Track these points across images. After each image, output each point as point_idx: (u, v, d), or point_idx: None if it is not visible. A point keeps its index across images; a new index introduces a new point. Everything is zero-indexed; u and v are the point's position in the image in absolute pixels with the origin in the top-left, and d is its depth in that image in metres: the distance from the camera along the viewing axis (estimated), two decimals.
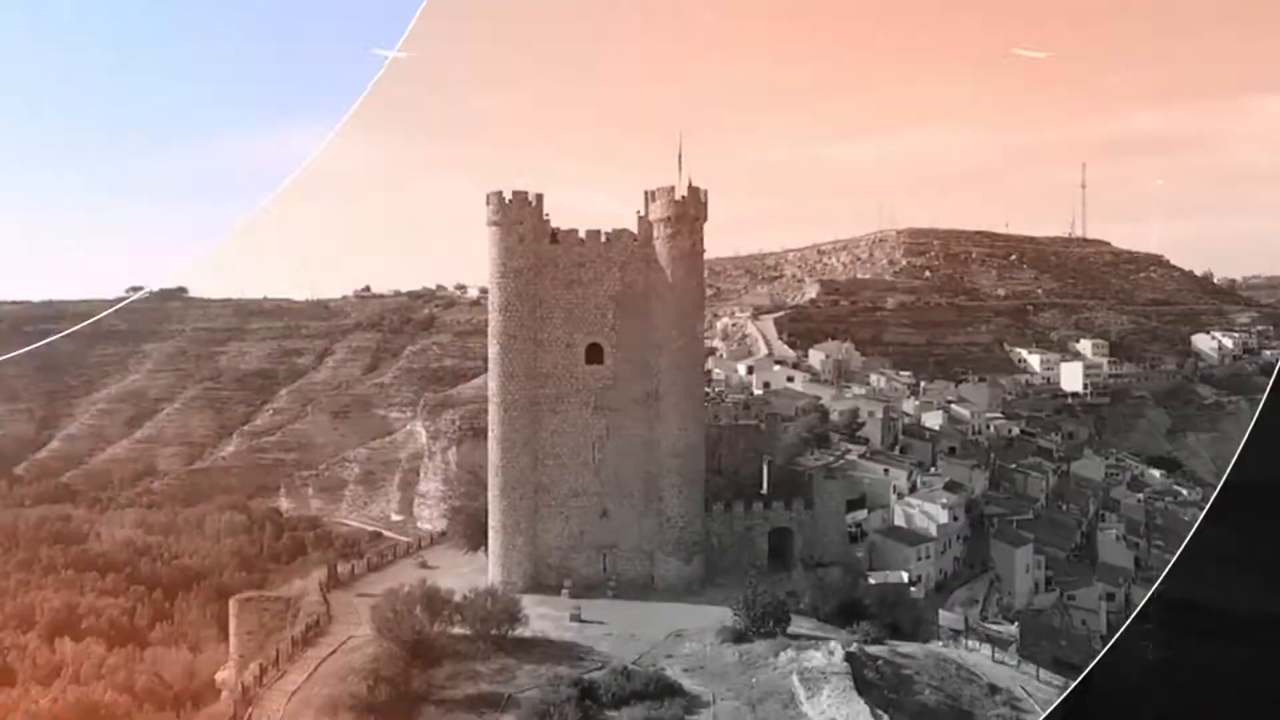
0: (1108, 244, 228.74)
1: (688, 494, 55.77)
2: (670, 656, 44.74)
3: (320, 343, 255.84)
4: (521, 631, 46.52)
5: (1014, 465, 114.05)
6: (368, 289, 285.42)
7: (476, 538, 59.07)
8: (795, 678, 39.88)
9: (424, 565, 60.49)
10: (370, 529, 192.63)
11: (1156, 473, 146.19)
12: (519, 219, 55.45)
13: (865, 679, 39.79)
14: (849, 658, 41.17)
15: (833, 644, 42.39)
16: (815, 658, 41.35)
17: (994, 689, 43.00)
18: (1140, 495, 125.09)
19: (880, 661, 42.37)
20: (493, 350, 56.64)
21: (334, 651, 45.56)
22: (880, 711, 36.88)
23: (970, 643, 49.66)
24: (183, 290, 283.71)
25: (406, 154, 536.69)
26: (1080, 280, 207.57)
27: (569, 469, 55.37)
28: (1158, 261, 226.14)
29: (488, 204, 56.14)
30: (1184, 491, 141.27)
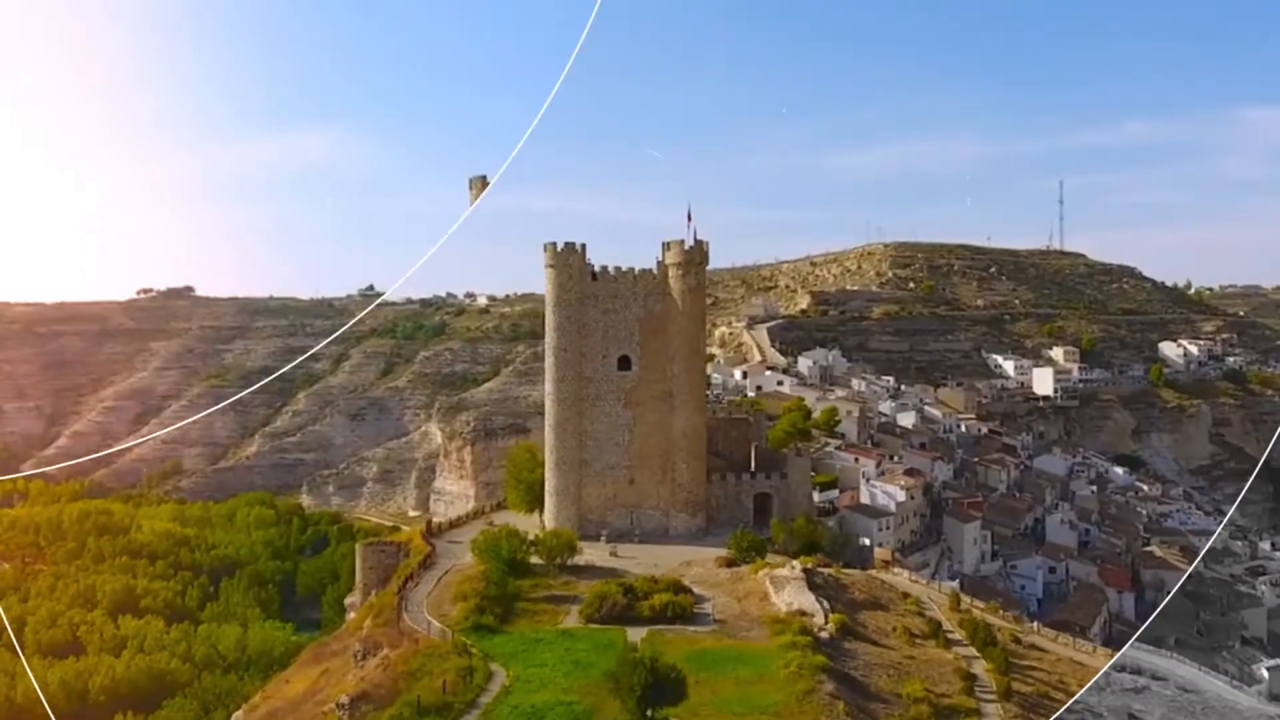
0: (1083, 256, 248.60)
1: (693, 467, 77.80)
2: (682, 576, 66.27)
3: (335, 348, 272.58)
4: (576, 560, 68.10)
5: (976, 459, 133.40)
6: (371, 288, 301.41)
7: (531, 502, 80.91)
8: (767, 581, 61.72)
9: (491, 524, 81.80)
10: (389, 524, 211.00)
11: (1120, 470, 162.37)
12: (569, 262, 77.39)
13: (815, 584, 61.49)
14: (805, 571, 62.99)
15: (794, 562, 64.33)
16: (781, 571, 63.19)
17: (905, 595, 64.89)
18: (1093, 488, 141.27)
19: (827, 575, 64.26)
20: (549, 360, 78.66)
21: (447, 573, 67.22)
22: (824, 600, 58.50)
23: (896, 570, 71.86)
24: (189, 289, 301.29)
25: (413, 157, 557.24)
26: (1055, 291, 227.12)
27: (605, 448, 77.25)
28: (1131, 273, 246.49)
29: (544, 251, 78.08)
30: (1144, 487, 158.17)
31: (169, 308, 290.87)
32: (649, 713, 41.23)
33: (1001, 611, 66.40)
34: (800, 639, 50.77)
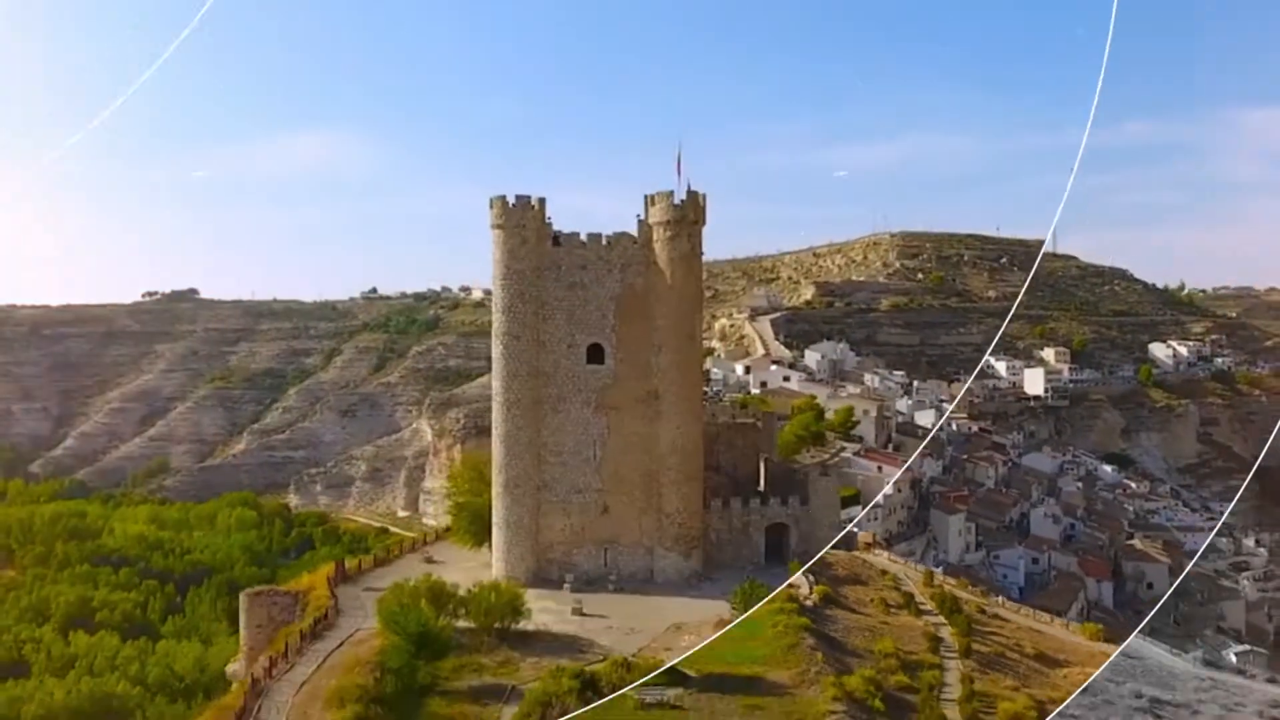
0: (1075, 258, 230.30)
1: (686, 490, 55.63)
2: (669, 650, 44.69)
3: (328, 343, 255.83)
4: (525, 625, 46.44)
5: (965, 456, 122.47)
6: (374, 290, 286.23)
7: (480, 534, 58.99)
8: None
9: (429, 560, 60.19)
10: (377, 525, 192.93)
11: (1109, 468, 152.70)
12: (522, 222, 55.35)
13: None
14: None
15: None
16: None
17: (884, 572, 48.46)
18: (1079, 484, 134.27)
19: None
20: (496, 350, 56.49)
21: (341, 645, 45.38)
22: (809, 574, 50.71)
23: (877, 551, 65.53)
24: (194, 292, 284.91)
25: (413, 158, 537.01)
26: (1048, 293, 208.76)
27: (571, 466, 55.24)
28: (1122, 275, 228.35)
29: (491, 208, 56.11)
30: (1132, 485, 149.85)
31: (173, 310, 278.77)
32: None
33: (970, 587, 65.28)
34: (787, 605, 48.35)
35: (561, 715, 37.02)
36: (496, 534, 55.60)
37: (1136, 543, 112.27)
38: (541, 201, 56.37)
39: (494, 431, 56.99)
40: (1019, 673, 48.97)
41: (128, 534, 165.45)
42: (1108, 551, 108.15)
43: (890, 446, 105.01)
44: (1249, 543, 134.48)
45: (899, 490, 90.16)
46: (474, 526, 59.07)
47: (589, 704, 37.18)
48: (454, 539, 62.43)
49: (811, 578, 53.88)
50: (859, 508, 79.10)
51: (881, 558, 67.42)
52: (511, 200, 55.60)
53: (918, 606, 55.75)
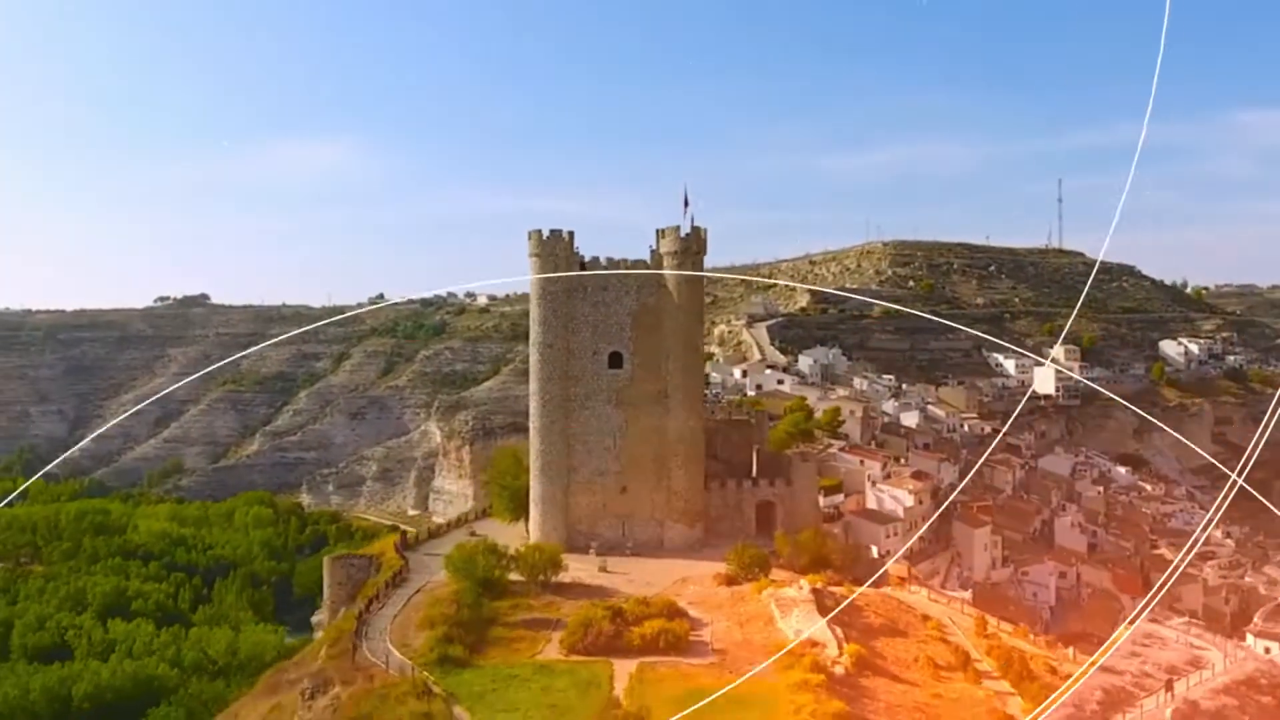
0: (1082, 255, 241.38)
1: (690, 473, 69.08)
2: (678, 597, 57.76)
3: (337, 347, 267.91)
4: (562, 577, 59.63)
5: (982, 459, 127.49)
6: (381, 296, 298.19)
7: (517, 510, 72.29)
8: (772, 603, 53.14)
9: (473, 534, 73.31)
10: (388, 523, 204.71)
11: (1123, 469, 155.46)
12: (554, 251, 68.71)
13: (826, 606, 52.94)
14: (814, 592, 54.43)
15: (801, 581, 55.72)
16: (789, 591, 54.63)
17: (925, 617, 56.28)
18: (1101, 489, 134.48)
19: (838, 594, 55.64)
20: (534, 357, 69.87)
21: (418, 591, 58.68)
22: (836, 627, 49.98)
23: (912, 587, 63.20)
24: (204, 297, 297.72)
25: (420, 165, 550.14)
26: (1055, 290, 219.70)
27: (595, 453, 68.61)
28: (1130, 271, 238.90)
29: (529, 239, 69.43)
30: (1147, 487, 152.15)
31: (185, 315, 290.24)
32: None
33: (1031, 636, 58.43)
34: (812, 677, 42.51)
35: (595, 647, 49.47)
36: (534, 508, 68.90)
37: (1164, 552, 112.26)
38: (571, 234, 69.73)
39: (531, 424, 70.21)
40: None
41: (151, 530, 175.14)
42: (1135, 561, 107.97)
43: (874, 444, 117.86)
44: (1217, 534, 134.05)
45: (920, 502, 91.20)
46: (512, 504, 72.35)
47: (618, 628, 50.00)
48: (494, 515, 75.69)
49: (839, 632, 49.26)
50: (841, 496, 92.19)
51: (920, 595, 62.92)
52: (545, 233, 68.99)
53: (974, 667, 49.05)
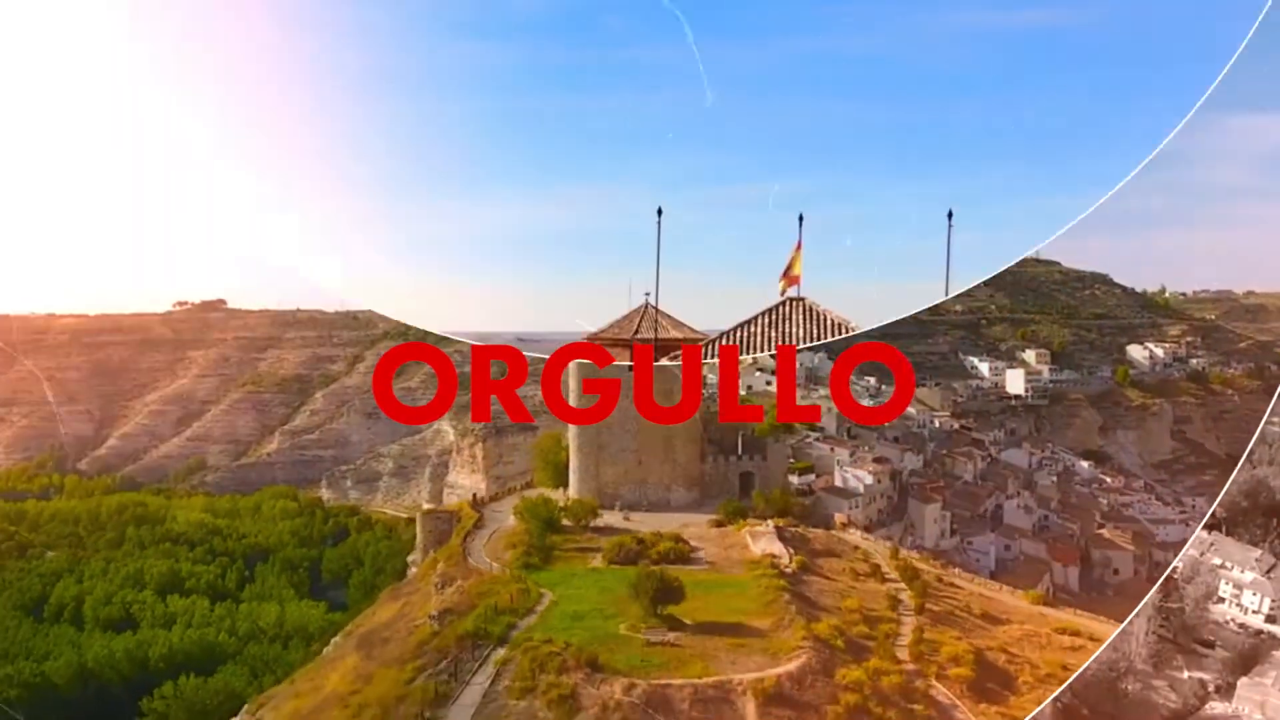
0: (1058, 264, 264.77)
1: (690, 450, 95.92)
2: (681, 533, 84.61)
3: (351, 350, 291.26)
4: (597, 523, 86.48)
5: (945, 451, 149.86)
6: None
7: (557, 479, 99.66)
8: (747, 535, 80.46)
9: (524, 499, 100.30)
10: (405, 516, 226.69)
11: (1085, 464, 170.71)
12: None
13: (784, 537, 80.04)
14: (776, 528, 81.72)
15: (768, 521, 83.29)
16: (759, 528, 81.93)
17: (856, 548, 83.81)
18: (1054, 478, 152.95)
19: (794, 531, 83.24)
20: (573, 363, 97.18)
21: (495, 531, 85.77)
22: (790, 547, 77.06)
23: (850, 530, 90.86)
24: (222, 302, 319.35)
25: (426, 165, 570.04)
26: (1030, 297, 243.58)
27: (618, 435, 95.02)
28: (1102, 280, 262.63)
29: None
30: (1108, 479, 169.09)
31: (204, 319, 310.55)
32: (659, 610, 60.09)
33: (933, 561, 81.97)
34: (769, 571, 66.69)
35: (627, 560, 76.10)
36: (573, 477, 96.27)
37: (1105, 533, 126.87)
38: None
39: None
40: (964, 627, 60.92)
41: (189, 520, 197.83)
42: (1078, 540, 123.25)
43: (848, 436, 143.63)
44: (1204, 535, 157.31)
45: (879, 481, 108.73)
46: (554, 474, 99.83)
47: (641, 548, 76.95)
48: (538, 484, 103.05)
49: (791, 550, 71.62)
50: (813, 475, 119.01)
51: (855, 535, 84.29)
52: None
53: (883, 575, 69.84)
